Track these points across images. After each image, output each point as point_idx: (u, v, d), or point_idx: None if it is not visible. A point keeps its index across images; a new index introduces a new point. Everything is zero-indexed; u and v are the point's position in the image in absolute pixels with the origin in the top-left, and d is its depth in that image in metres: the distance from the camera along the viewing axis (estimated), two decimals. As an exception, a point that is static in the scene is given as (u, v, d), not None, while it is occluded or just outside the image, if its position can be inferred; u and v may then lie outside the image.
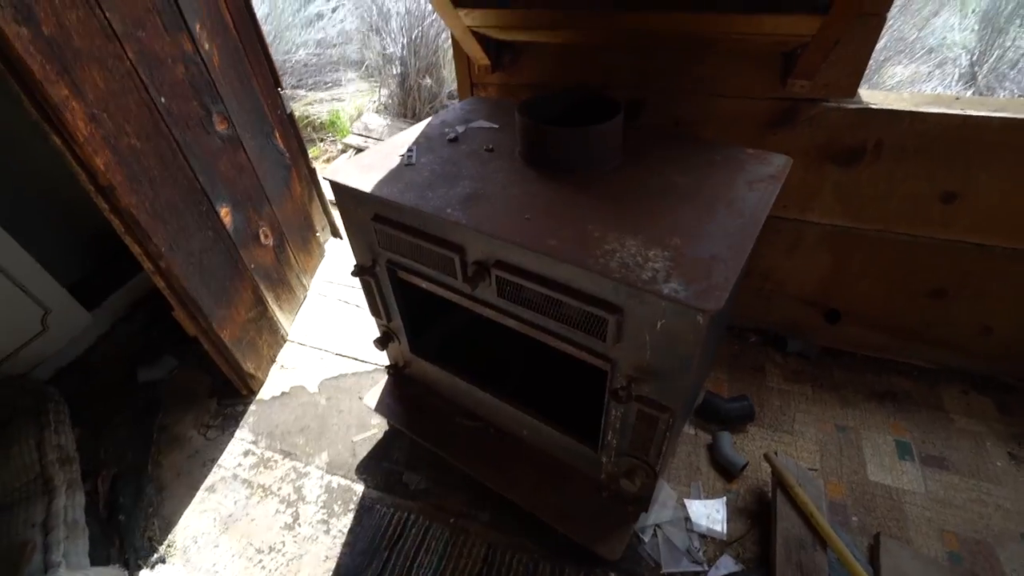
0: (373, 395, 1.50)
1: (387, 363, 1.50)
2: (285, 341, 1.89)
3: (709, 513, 1.26)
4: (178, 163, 1.36)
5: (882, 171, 1.30)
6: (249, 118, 1.72)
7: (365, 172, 1.09)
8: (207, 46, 1.47)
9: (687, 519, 1.26)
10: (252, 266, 1.69)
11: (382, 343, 1.39)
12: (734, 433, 1.43)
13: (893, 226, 1.38)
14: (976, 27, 3.16)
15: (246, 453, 1.53)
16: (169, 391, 1.73)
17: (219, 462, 1.51)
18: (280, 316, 1.87)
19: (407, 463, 1.45)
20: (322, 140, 3.78)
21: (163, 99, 1.31)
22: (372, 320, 1.39)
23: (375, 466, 1.46)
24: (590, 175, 1.02)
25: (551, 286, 0.86)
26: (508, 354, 1.48)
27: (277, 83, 1.95)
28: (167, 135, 1.32)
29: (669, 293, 0.73)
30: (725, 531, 1.23)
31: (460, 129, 1.24)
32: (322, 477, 1.45)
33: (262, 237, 1.77)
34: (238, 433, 1.58)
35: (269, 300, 1.79)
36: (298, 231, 2.07)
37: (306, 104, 3.95)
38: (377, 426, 1.56)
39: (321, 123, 3.89)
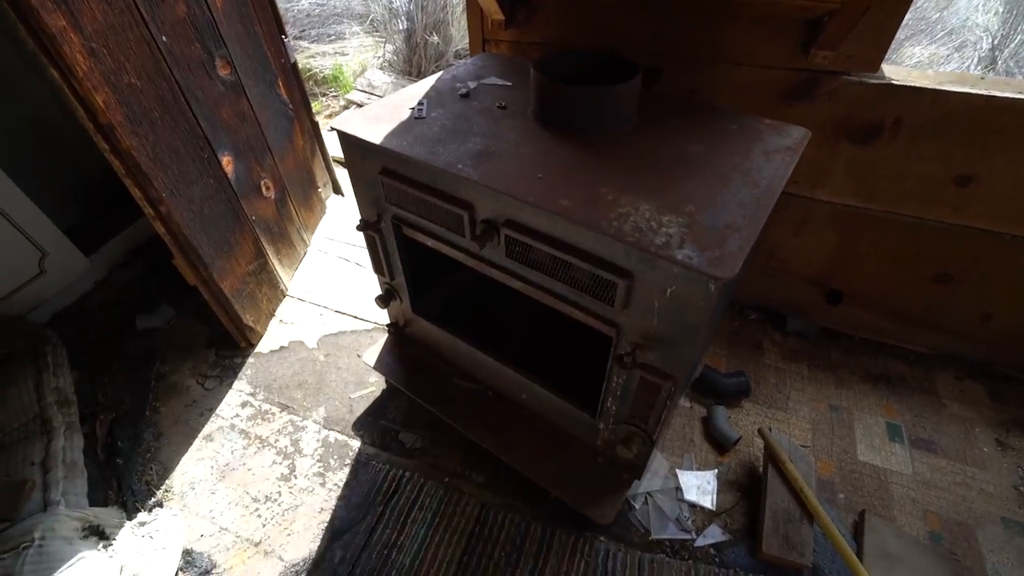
0: (372, 353, 1.50)
1: (387, 322, 1.50)
2: (285, 296, 1.88)
3: (700, 484, 1.29)
4: (180, 107, 1.32)
5: (898, 150, 1.28)
6: (252, 65, 1.67)
7: (373, 124, 1.06)
8: (210, -16, 1.41)
9: (678, 489, 1.29)
10: (253, 218, 1.67)
11: (384, 301, 1.38)
12: (729, 408, 1.45)
13: (904, 208, 1.36)
14: (1001, 10, 3.07)
15: (244, 404, 1.54)
16: (167, 340, 1.72)
17: (217, 412, 1.52)
18: (280, 270, 1.86)
19: (404, 422, 1.47)
20: (324, 95, 3.68)
21: (164, 38, 1.26)
22: (373, 278, 1.38)
23: (372, 423, 1.47)
24: (604, 138, 1.00)
25: (561, 248, 0.85)
26: (511, 318, 1.48)
27: (281, 30, 1.88)
28: (168, 76, 1.28)
29: (683, 259, 0.72)
30: (715, 502, 1.26)
31: (472, 85, 1.20)
32: (319, 431, 1.46)
33: (264, 189, 1.74)
34: (236, 384, 1.59)
35: (270, 253, 1.78)
36: (300, 185, 2.03)
37: (308, 56, 3.83)
38: (375, 384, 1.57)
39: (324, 77, 3.78)
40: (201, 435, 1.46)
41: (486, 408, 1.35)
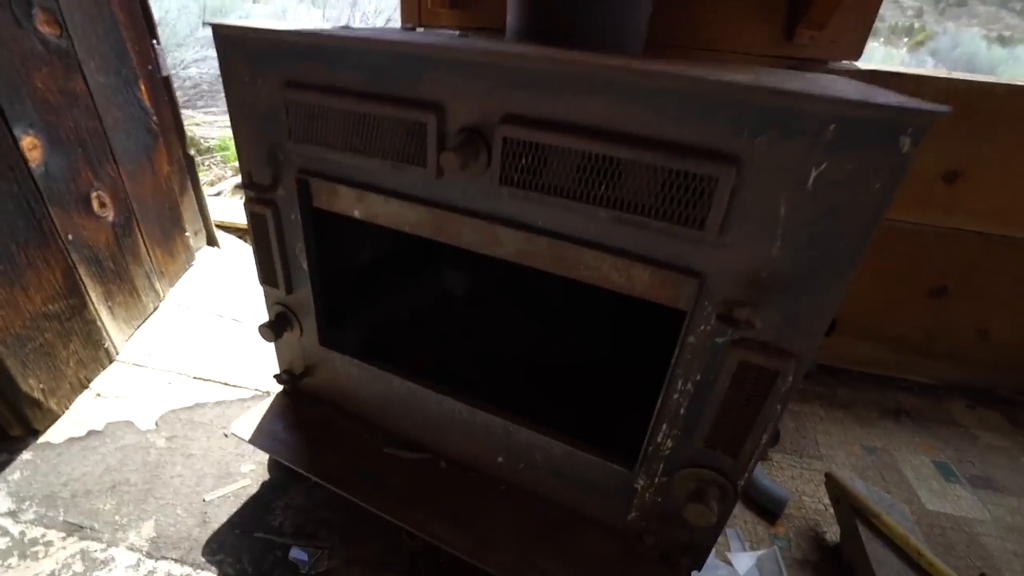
0: (247, 423, 0.96)
1: (275, 380, 0.98)
2: (112, 361, 1.26)
3: (763, 568, 0.88)
4: (-52, 32, 0.85)
5: (885, 146, 1.18)
6: (99, 46, 1.24)
7: (277, 26, 0.70)
8: (40, -97, 1.03)
9: (731, 583, 0.87)
10: (69, 237, 1.12)
11: (274, 329, 0.90)
12: (756, 461, 1.10)
13: (892, 211, 1.25)
14: None
15: (-6, 534, 0.87)
16: None
17: (-71, 553, 0.83)
18: (109, 324, 1.26)
19: (298, 529, 0.90)
20: (210, 167, 3.23)
21: (-62, -71, 0.83)
22: (254, 337, 0.91)
23: (241, 539, 0.88)
24: (616, 55, 0.73)
25: (611, 139, 0.51)
26: (468, 354, 1.05)
27: (152, 33, 1.51)
28: (-66, -19, 0.82)
29: (860, 99, 0.42)
30: (786, 595, 0.85)
31: (419, 29, 0.91)
32: (136, 565, 0.84)
33: (96, 204, 1.22)
34: (-13, 500, 0.92)
35: (92, 295, 1.20)
36: (157, 220, 1.51)
37: (194, 124, 3.41)
38: (250, 475, 1.00)
39: (208, 147, 3.35)
40: None
41: (440, 488, 0.86)
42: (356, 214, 0.75)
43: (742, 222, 0.50)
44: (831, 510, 0.96)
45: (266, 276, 0.88)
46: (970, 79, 1.09)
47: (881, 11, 1.11)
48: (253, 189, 0.77)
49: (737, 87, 0.45)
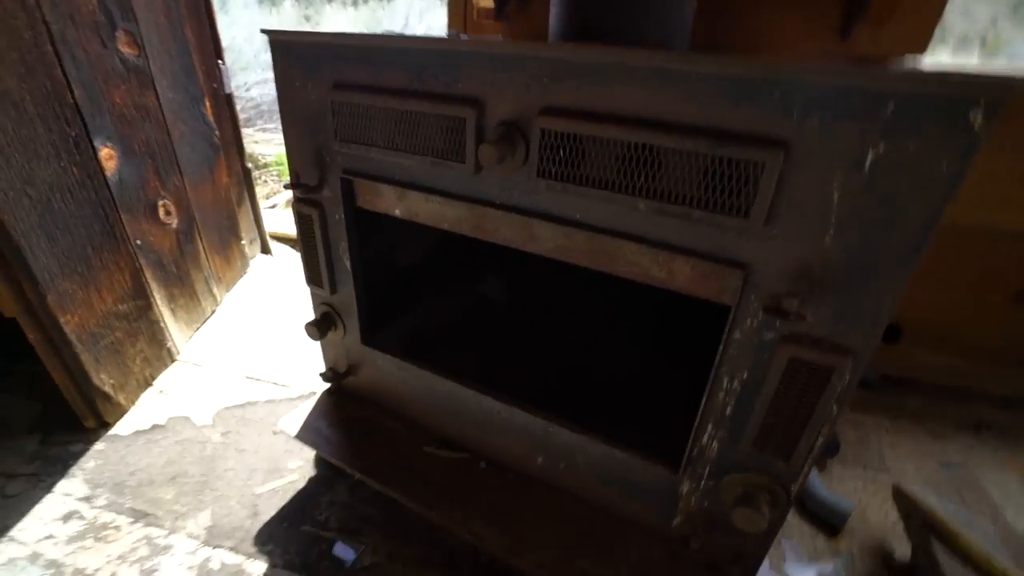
0: (294, 420, 0.99)
1: (320, 378, 1.01)
2: (173, 360, 1.34)
3: (821, 588, 0.82)
4: (42, 53, 0.94)
5: (955, 138, 1.10)
6: (171, 65, 1.34)
7: (326, 31, 0.73)
8: (121, -62, 1.12)
9: (786, 601, 0.81)
10: (138, 242, 1.21)
11: (319, 328, 0.93)
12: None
13: (968, 214, 1.15)
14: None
15: (68, 516, 0.93)
16: (-39, 424, 1.11)
17: (12, 532, 0.90)
18: (171, 325, 1.34)
19: (342, 525, 0.92)
20: (266, 182, 3.41)
21: (34, -36, 0.92)
22: (304, 341, 0.95)
23: (289, 531, 0.91)
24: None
25: (651, 127, 0.50)
26: (508, 356, 1.05)
27: (218, 54, 1.61)
28: (32, 7, 0.91)
29: (921, 72, 0.39)
30: (848, 618, 0.79)
31: (465, 36, 0.93)
32: (195, 552, 0.87)
33: (162, 211, 1.30)
34: (63, 484, 0.99)
35: (157, 298, 1.28)
36: (216, 228, 1.60)
37: (253, 142, 3.61)
38: (297, 471, 1.03)
39: (265, 163, 3.54)
40: (-32, 576, 0.83)
41: (479, 487, 0.86)
42: (397, 213, 0.76)
43: (791, 210, 0.47)
44: (899, 526, 0.89)
45: (312, 276, 0.91)
46: (1052, 62, 1.00)
47: (950, 20, 1.04)
48: (300, 189, 0.80)
49: (784, 66, 0.43)
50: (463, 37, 0.88)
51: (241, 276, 1.79)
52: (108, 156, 1.11)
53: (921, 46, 1.05)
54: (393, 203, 0.76)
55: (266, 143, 3.75)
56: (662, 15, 0.72)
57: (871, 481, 1.03)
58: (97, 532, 0.90)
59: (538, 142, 0.57)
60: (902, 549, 0.88)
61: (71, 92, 1.00)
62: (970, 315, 1.24)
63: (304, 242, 0.87)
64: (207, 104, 1.53)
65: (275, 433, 1.12)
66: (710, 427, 0.62)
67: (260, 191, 3.10)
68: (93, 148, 1.07)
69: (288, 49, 0.72)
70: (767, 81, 0.44)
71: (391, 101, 0.65)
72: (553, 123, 0.55)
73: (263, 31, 0.72)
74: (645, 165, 0.52)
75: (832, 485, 1.01)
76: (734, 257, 0.52)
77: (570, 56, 0.52)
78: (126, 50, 1.15)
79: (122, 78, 1.14)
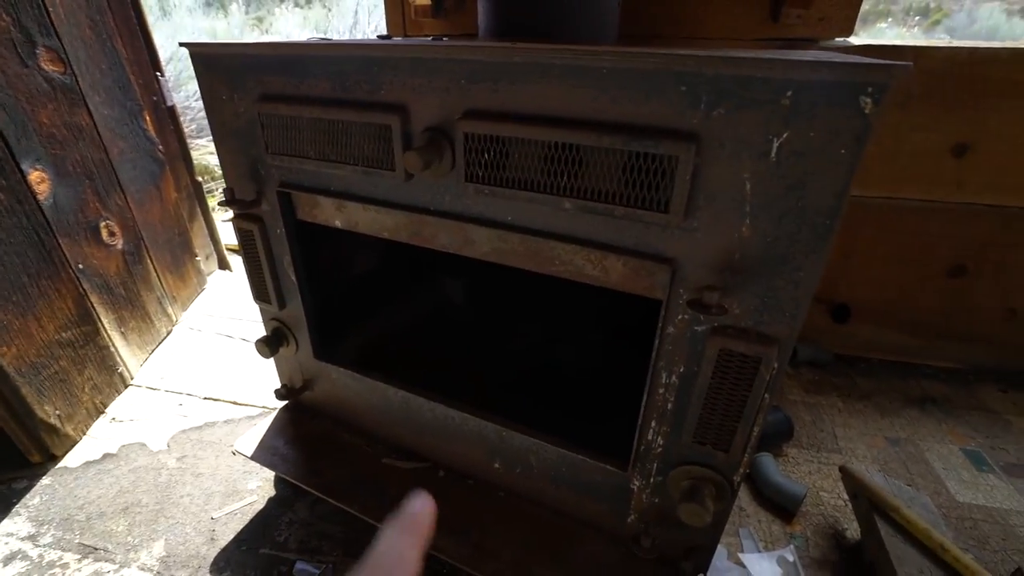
0: (251, 439, 0.97)
1: (275, 395, 0.99)
2: (126, 385, 1.30)
3: (780, 572, 0.84)
4: (-46, 77, 0.90)
5: (887, 123, 1.14)
6: (103, 80, 1.29)
7: (246, 42, 0.71)
8: (38, -48, 1.08)
9: (746, 585, 0.83)
10: (80, 266, 1.16)
11: (269, 344, 0.91)
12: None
13: (903, 190, 1.20)
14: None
15: (10, 557, 0.89)
16: None
17: (-50, 578, 0.85)
18: (123, 349, 1.30)
19: (302, 544, 0.90)
20: (221, 194, 3.33)
21: (-59, -19, 0.87)
22: (263, 358, 0.92)
23: (247, 556, 0.89)
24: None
25: (568, 127, 0.50)
26: (461, 361, 1.05)
27: (155, 66, 1.56)
28: (-62, 30, 0.87)
29: (814, 60, 0.40)
30: (806, 596, 0.81)
31: (397, 38, 0.92)
32: (147, 584, 0.85)
33: (104, 232, 1.26)
34: (5, 524, 0.94)
35: (105, 322, 1.23)
36: (167, 246, 1.56)
37: (208, 153, 3.52)
38: (256, 491, 1.01)
39: (221, 174, 3.45)
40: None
41: (438, 496, 0.84)
42: (337, 223, 0.75)
43: (708, 202, 0.48)
44: (850, 506, 0.91)
45: (259, 292, 0.89)
46: (972, 46, 1.05)
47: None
48: (237, 205, 0.78)
49: (685, 59, 0.44)
50: (394, 40, 0.87)
51: (198, 293, 1.74)
52: (39, 179, 1.06)
53: (848, 27, 1.09)
54: (332, 214, 0.75)
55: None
56: (586, 8, 0.73)
57: (824, 463, 1.05)
58: (43, 572, 0.86)
59: (463, 146, 0.56)
60: (853, 529, 0.90)
61: (-9, 113, 0.96)
62: (910, 291, 1.29)
63: (247, 258, 0.85)
64: (147, 118, 1.49)
65: (234, 454, 1.09)
66: (653, 423, 0.63)
67: (214, 203, 3.02)
68: (21, 172, 1.02)
69: (209, 61, 0.70)
70: (672, 73, 0.45)
71: (317, 111, 0.64)
72: (474, 126, 0.55)
73: (182, 44, 0.70)
74: (567, 164, 0.52)
75: (787, 469, 1.04)
76: (660, 252, 0.53)
77: (482, 57, 0.52)
78: (50, 68, 1.11)
79: (48, 97, 1.10)
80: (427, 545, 0.26)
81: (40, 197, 1.06)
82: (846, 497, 0.94)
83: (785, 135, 0.43)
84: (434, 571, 0.84)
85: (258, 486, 1.02)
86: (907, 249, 1.25)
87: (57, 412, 1.09)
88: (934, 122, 1.12)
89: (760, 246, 0.48)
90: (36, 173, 1.06)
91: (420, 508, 0.28)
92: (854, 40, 1.11)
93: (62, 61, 1.14)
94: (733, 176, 0.46)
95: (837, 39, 1.11)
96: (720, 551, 0.86)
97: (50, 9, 1.11)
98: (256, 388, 1.28)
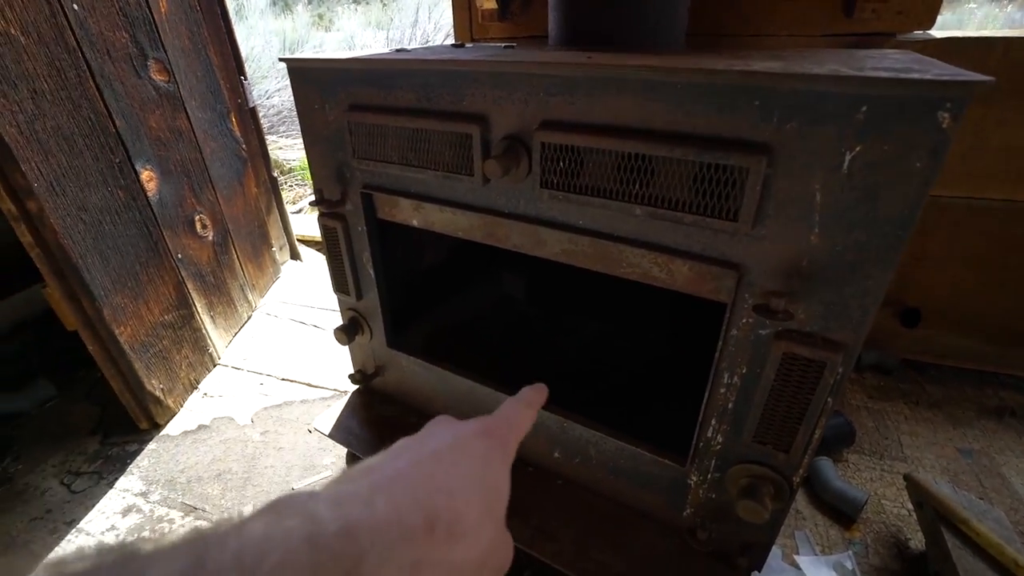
0: (327, 419, 1.06)
1: (349, 379, 1.08)
2: (215, 364, 1.44)
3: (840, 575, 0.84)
4: (85, 89, 1.02)
5: (969, 119, 1.08)
6: (198, 86, 1.42)
7: (338, 56, 0.78)
8: (152, -21, 1.20)
9: (801, 586, 0.83)
10: (179, 256, 1.30)
11: (347, 333, 0.99)
12: (829, 462, 1.04)
13: (985, 190, 1.14)
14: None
15: (127, 510, 1.02)
16: (36, 427, 1.22)
17: (80, 524, 0.99)
18: (212, 331, 1.43)
19: (373, 516, 0.98)
20: (291, 187, 3.53)
21: (76, 5, 1.00)
22: (333, 342, 1.01)
23: (324, 523, 0.98)
24: (652, 55, 0.74)
25: (640, 137, 0.53)
26: (524, 353, 1.09)
27: (240, 71, 1.70)
28: (74, 50, 1.00)
29: (889, 75, 0.41)
30: (863, 602, 0.81)
31: (468, 45, 0.97)
32: (241, 541, 0.95)
33: (198, 225, 1.39)
34: (122, 481, 1.08)
35: (198, 307, 1.37)
36: (248, 238, 1.69)
37: (277, 148, 3.74)
38: (331, 466, 1.10)
39: (290, 168, 3.66)
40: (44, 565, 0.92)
41: (499, 479, 0.90)
42: (415, 223, 0.81)
43: (778, 211, 0.50)
44: (915, 515, 0.89)
45: (339, 284, 0.97)
46: (1071, 38, 0.98)
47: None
48: (324, 205, 0.86)
49: (758, 75, 0.46)
50: (467, 46, 0.92)
51: (273, 282, 1.88)
52: (149, 178, 1.20)
53: (930, 19, 1.04)
54: (410, 214, 0.81)
55: (289, 148, 3.88)
56: (655, 15, 0.75)
57: (888, 471, 1.03)
58: (154, 525, 0.99)
59: (539, 155, 0.60)
60: (917, 539, 0.89)
61: (112, 122, 1.09)
62: (989, 296, 1.22)
63: (330, 253, 0.93)
64: (233, 119, 1.62)
65: (310, 431, 1.19)
66: (714, 421, 0.65)
67: (285, 196, 3.22)
68: (135, 172, 1.15)
69: (304, 75, 0.77)
70: (745, 88, 0.47)
71: (402, 120, 0.70)
72: (551, 136, 0.58)
73: (281, 59, 0.78)
74: (639, 173, 0.55)
75: (848, 475, 1.02)
76: (727, 258, 0.55)
77: (559, 72, 0.56)
78: (158, 77, 1.24)
79: (156, 104, 1.23)
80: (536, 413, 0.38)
81: (149, 194, 1.19)
82: (910, 506, 0.92)
83: (858, 149, 0.44)
84: (494, 549, 0.90)
85: (332, 462, 1.11)
86: (988, 252, 1.19)
87: (161, 386, 1.23)
88: (1022, 117, 1.06)
89: (829, 254, 0.49)
90: (147, 172, 1.19)
91: (536, 391, 0.40)
92: (935, 33, 1.07)
93: (167, 71, 1.27)
94: (804, 187, 0.48)
95: (916, 32, 1.06)
96: (775, 552, 0.87)
97: (158, 24, 1.23)
98: (328, 372, 1.38)
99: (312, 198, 0.86)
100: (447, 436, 0.31)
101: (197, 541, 0.18)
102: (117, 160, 1.10)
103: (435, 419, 0.34)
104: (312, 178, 0.86)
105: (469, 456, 0.30)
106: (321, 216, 0.89)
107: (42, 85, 0.93)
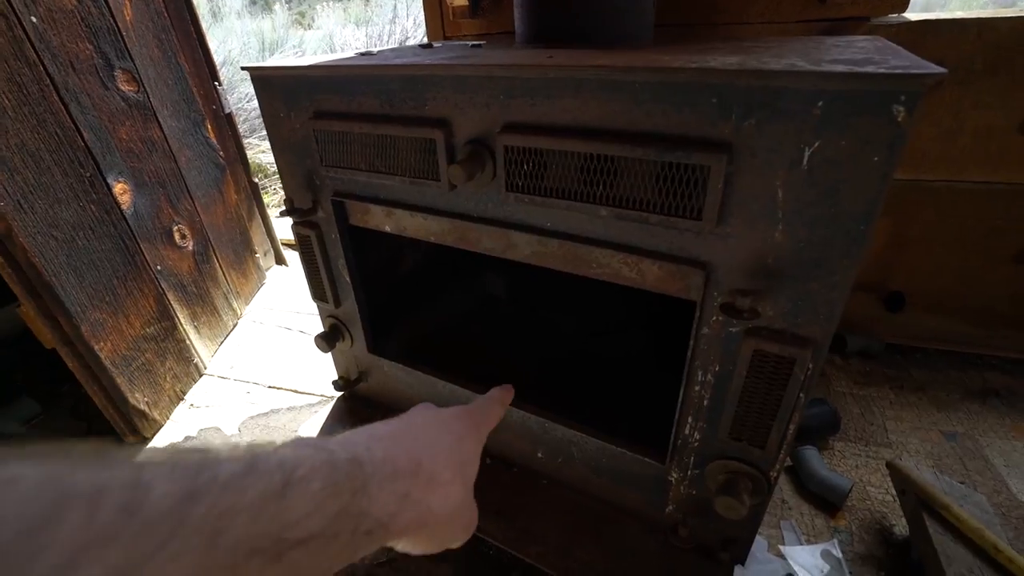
0: (313, 427, 1.06)
1: (333, 386, 1.07)
2: (201, 374, 1.43)
3: (822, 566, 0.84)
4: (49, 104, 1.00)
5: (946, 101, 1.08)
6: (170, 94, 1.40)
7: (300, 63, 0.77)
8: (114, -14, 1.18)
9: (788, 576, 0.84)
10: (158, 267, 1.28)
11: (328, 340, 0.98)
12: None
13: (964, 172, 1.14)
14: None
15: (114, 526, 1.01)
16: (16, 445, 1.21)
17: (67, 543, 0.98)
18: (196, 342, 1.42)
19: (361, 523, 0.98)
20: (275, 191, 3.50)
21: (34, 18, 0.98)
22: (322, 352, 1.00)
23: (313, 531, 0.97)
24: (619, 49, 0.73)
25: (602, 138, 0.53)
26: (505, 354, 1.09)
27: (214, 76, 1.67)
28: (35, 63, 0.98)
29: (844, 71, 0.41)
30: (849, 589, 0.81)
31: (436, 44, 0.96)
32: (228, 554, 0.95)
33: (177, 236, 1.37)
34: (108, 498, 1.07)
35: (181, 318, 1.36)
36: (231, 245, 1.68)
37: (260, 152, 3.70)
38: (319, 474, 1.09)
39: (275, 171, 3.63)
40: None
41: (486, 482, 0.90)
42: (387, 229, 0.80)
43: (741, 209, 0.50)
44: (899, 502, 0.90)
45: (316, 292, 0.96)
46: (1044, 17, 0.97)
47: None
48: (296, 214, 0.85)
49: (715, 72, 0.45)
50: (435, 45, 0.91)
51: (258, 288, 1.87)
52: (122, 191, 1.18)
53: (902, 3, 1.04)
54: (382, 220, 0.80)
55: (270, 151, 3.85)
56: (620, 8, 0.73)
57: (873, 457, 1.04)
58: (141, 540, 0.98)
59: (503, 158, 0.59)
60: (902, 525, 0.89)
61: (80, 136, 1.07)
62: (972, 278, 1.23)
63: (306, 261, 0.92)
64: (209, 126, 1.59)
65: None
66: (690, 419, 0.65)
67: (270, 200, 3.19)
68: (107, 185, 1.13)
69: (267, 83, 0.76)
70: (703, 86, 0.46)
71: (366, 127, 0.69)
72: (514, 139, 0.58)
73: (243, 68, 0.76)
74: (602, 173, 0.54)
75: (833, 463, 1.03)
76: (694, 256, 0.55)
77: (518, 74, 0.55)
78: (126, 88, 1.21)
79: (125, 115, 1.21)
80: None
81: (123, 207, 1.18)
82: (895, 493, 0.93)
83: (817, 144, 0.44)
84: (480, 553, 0.90)
85: (320, 469, 1.11)
86: (969, 234, 1.19)
87: (145, 399, 1.22)
88: (1000, 99, 1.05)
89: (794, 250, 0.49)
90: (120, 185, 1.17)
91: (504, 390, 0.49)
92: (910, 15, 1.06)
93: (136, 81, 1.25)
94: (765, 184, 0.47)
95: (891, 15, 1.06)
96: (760, 543, 0.88)
97: (124, 33, 1.21)
98: (315, 378, 1.37)
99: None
100: (430, 416, 0.41)
101: (252, 449, 0.25)
102: (87, 174, 1.09)
103: (419, 404, 0.44)
104: (283, 186, 0.85)
105: (448, 431, 0.39)
106: (294, 225, 0.88)
107: (3, 101, 0.91)
